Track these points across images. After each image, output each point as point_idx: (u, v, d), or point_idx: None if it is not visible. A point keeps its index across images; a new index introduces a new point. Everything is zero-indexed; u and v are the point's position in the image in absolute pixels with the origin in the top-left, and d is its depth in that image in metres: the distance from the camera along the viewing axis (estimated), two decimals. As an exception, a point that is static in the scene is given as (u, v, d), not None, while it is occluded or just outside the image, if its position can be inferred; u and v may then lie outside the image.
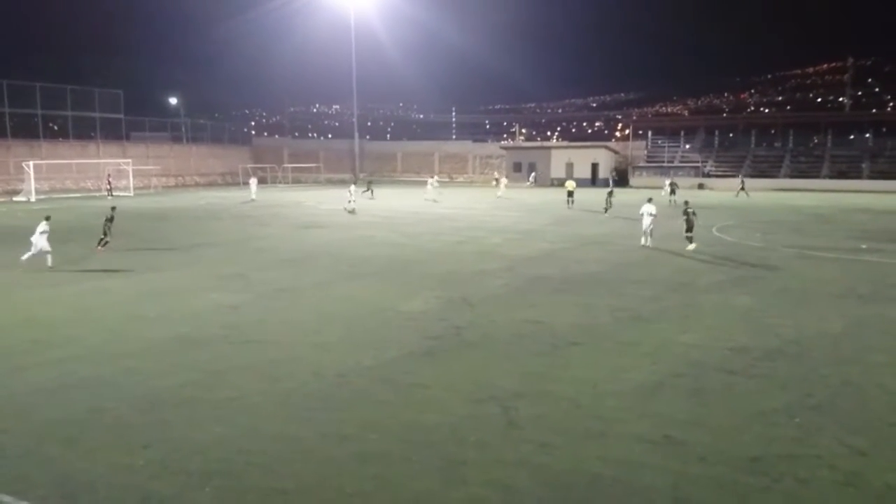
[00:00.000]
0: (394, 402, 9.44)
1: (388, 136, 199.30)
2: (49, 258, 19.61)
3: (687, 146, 78.78)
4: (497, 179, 58.45)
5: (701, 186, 66.80)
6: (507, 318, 14.17)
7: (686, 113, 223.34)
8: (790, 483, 7.12)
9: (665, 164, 74.98)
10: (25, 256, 19.41)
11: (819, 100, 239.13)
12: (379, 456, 7.79)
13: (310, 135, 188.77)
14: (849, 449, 7.88)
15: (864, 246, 24.46)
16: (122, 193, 54.78)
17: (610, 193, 38.75)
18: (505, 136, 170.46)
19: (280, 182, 75.79)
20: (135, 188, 58.48)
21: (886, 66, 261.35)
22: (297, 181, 78.64)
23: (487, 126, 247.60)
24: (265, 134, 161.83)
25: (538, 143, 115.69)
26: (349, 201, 40.50)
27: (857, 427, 8.51)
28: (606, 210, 36.81)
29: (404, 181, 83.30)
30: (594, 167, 73.38)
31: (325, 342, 12.47)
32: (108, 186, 55.26)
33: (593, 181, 70.86)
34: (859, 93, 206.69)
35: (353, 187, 43.05)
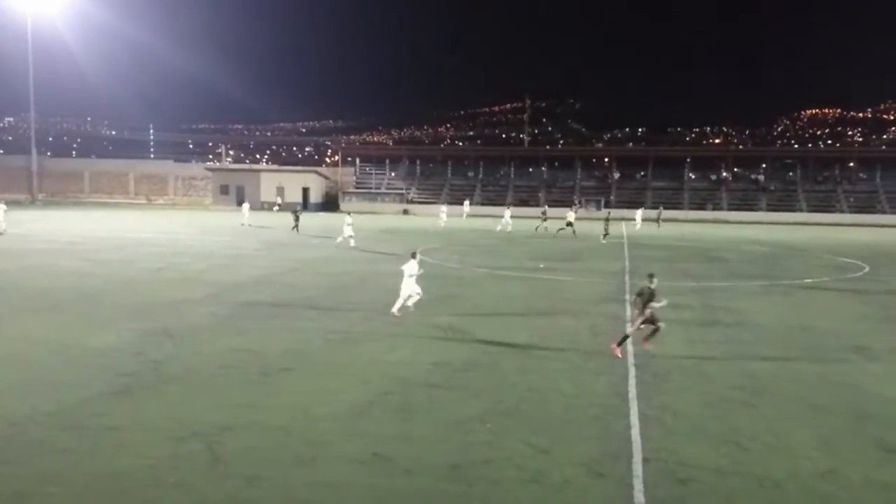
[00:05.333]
0: (80, 450, 8.40)
1: (74, 152, 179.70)
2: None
3: (392, 174, 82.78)
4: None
5: (406, 212, 70.55)
6: (212, 348, 13.48)
7: (391, 143, 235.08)
8: (484, 486, 7.71)
9: (373, 191, 78.00)
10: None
11: (504, 136, 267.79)
12: (60, 513, 6.86)
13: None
14: (533, 448, 8.79)
15: (541, 265, 27.69)
16: None
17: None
18: (210, 156, 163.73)
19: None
20: None
21: (557, 109, 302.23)
22: (-44, 201, 67.17)
23: (191, 146, 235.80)
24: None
25: (247, 166, 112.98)
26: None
27: (540, 428, 9.53)
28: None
29: (93, 202, 75.66)
30: (305, 191, 73.64)
31: (-9, 388, 10.71)
32: None
33: (305, 206, 71.14)
34: (536, 131, 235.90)
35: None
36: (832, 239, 45.53)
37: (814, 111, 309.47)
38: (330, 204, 74.85)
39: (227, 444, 8.68)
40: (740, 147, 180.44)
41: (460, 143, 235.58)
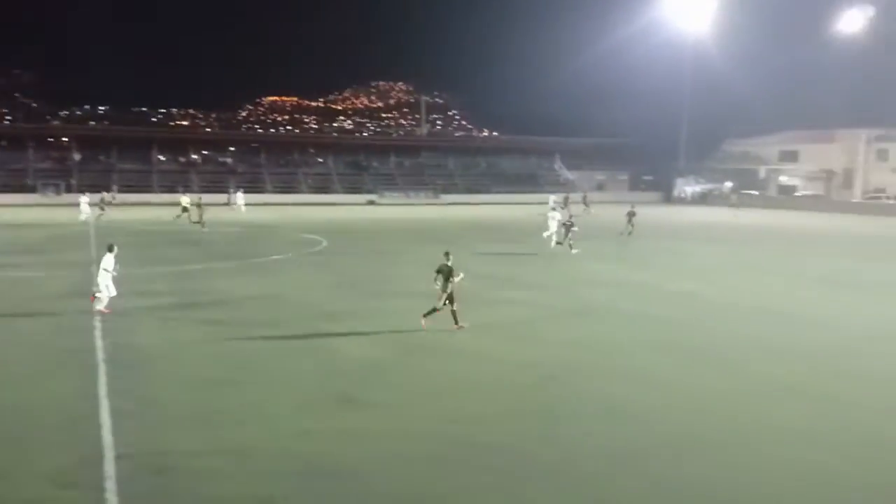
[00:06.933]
0: None
1: None
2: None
3: None
4: None
5: None
6: None
7: None
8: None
9: None
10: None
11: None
12: None
13: None
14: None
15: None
16: None
17: None
18: None
19: None
20: None
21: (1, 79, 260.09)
22: None
23: None
24: None
25: None
26: None
27: (-9, 450, 8.19)
28: None
29: None
30: None
31: None
32: None
33: None
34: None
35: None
36: (297, 217, 49.94)
37: (274, 98, 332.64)
38: None
39: None
40: (208, 130, 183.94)
41: None
